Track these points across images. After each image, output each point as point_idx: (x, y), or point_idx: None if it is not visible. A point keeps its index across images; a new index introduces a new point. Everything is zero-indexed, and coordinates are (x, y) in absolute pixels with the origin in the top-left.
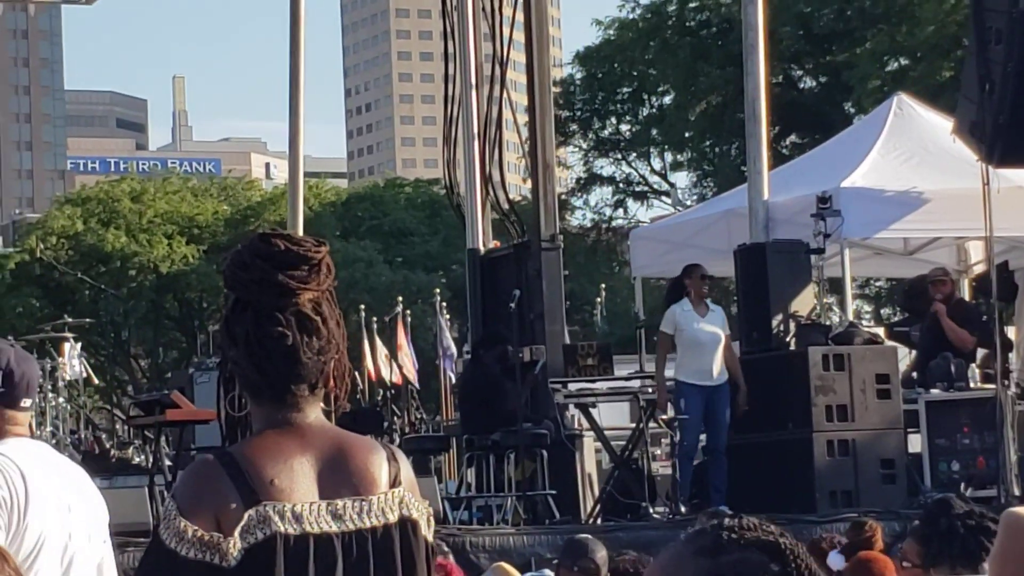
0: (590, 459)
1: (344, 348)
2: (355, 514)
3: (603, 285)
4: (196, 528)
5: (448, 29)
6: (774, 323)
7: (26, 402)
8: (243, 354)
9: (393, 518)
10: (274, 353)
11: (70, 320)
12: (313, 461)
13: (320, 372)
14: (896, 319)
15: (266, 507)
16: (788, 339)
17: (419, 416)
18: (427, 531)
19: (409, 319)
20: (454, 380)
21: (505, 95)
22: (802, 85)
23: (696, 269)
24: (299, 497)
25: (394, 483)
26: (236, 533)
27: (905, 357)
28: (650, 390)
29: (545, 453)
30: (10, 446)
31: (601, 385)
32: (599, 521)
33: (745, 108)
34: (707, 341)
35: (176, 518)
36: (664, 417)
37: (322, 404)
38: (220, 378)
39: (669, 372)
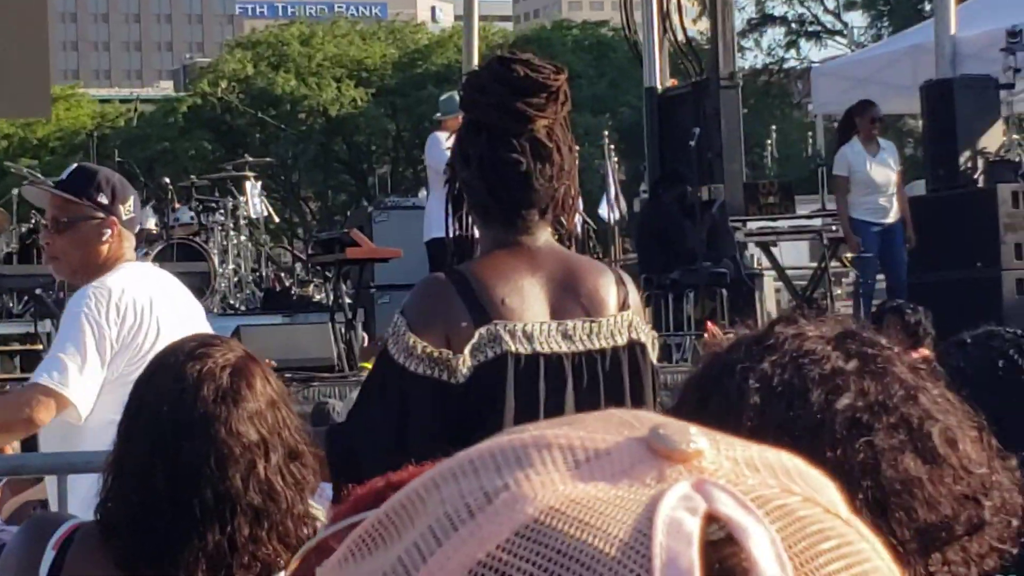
0: (770, 298)
1: (575, 174)
2: (585, 335)
3: (773, 127)
4: (425, 344)
5: None
6: (961, 160)
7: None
8: (475, 176)
9: (622, 340)
10: (507, 178)
11: (250, 159)
12: (543, 282)
13: (551, 198)
14: None
15: (497, 326)
16: (976, 176)
17: (596, 255)
18: (653, 355)
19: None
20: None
21: None
22: None
23: (868, 108)
24: (530, 317)
25: (623, 306)
26: (466, 351)
27: None
28: (834, 228)
29: (725, 292)
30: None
31: (783, 223)
32: None
33: None
34: (881, 180)
35: (406, 334)
36: (847, 256)
37: (550, 228)
38: (448, 195)
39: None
